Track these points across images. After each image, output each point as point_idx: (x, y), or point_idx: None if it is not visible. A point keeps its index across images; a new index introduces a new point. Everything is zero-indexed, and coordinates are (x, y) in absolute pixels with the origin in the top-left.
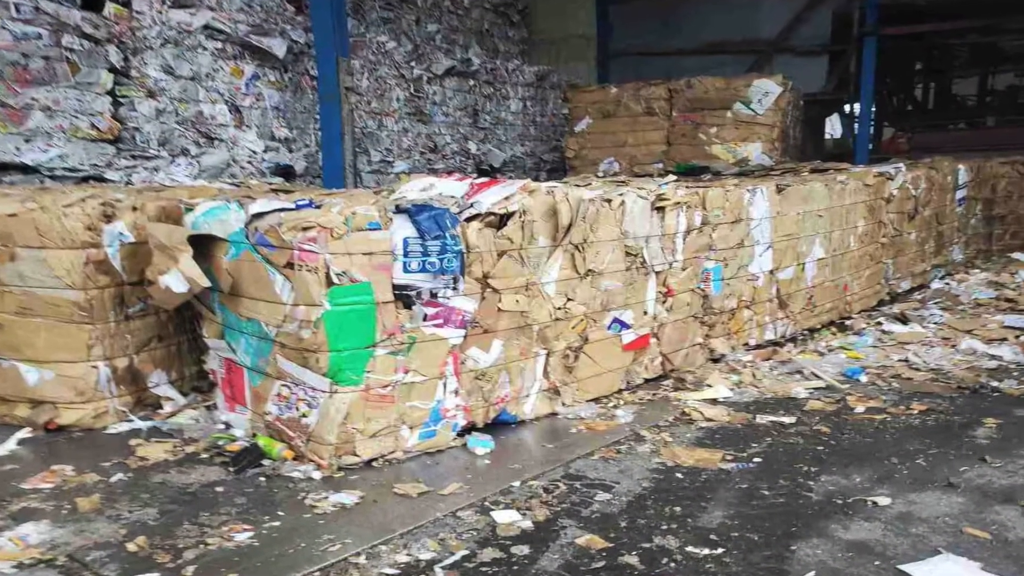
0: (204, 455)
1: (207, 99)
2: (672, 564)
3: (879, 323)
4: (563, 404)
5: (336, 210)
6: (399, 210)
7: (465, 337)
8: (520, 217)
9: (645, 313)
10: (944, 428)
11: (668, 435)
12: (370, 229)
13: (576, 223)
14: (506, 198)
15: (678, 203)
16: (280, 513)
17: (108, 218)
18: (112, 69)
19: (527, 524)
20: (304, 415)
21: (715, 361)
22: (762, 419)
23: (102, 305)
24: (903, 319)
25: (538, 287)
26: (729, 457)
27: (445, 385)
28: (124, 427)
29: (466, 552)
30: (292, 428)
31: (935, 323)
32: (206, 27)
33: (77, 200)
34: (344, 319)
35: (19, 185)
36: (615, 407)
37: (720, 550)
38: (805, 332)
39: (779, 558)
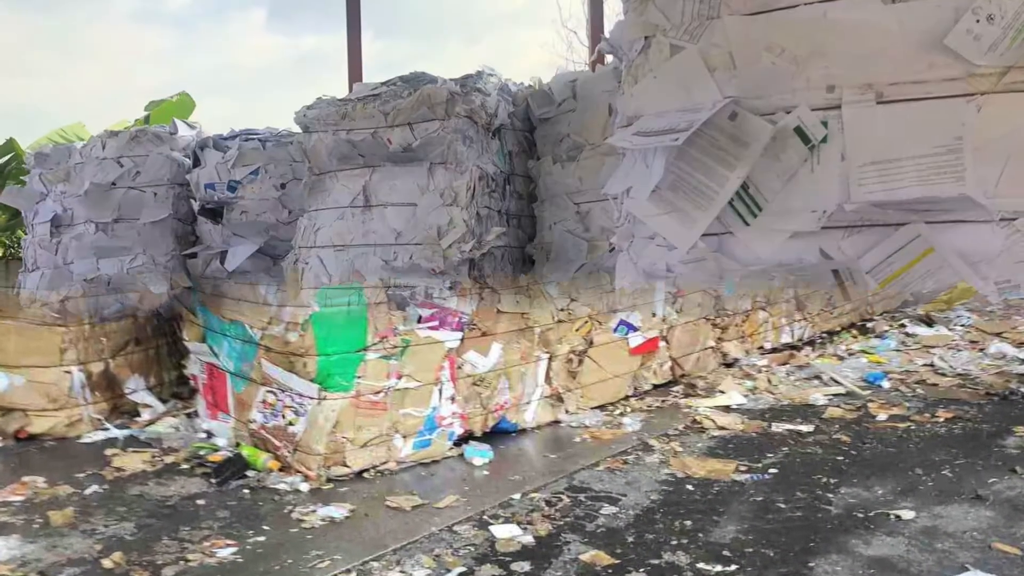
0: (184, 465)
1: None
2: None
3: (902, 325)
4: (566, 411)
5: None
6: None
7: (462, 340)
8: None
9: (654, 315)
10: (972, 437)
11: (678, 444)
12: None
13: None
14: None
15: None
16: (265, 527)
17: None
18: None
19: (528, 539)
20: (291, 423)
21: (728, 366)
22: (778, 427)
23: (76, 307)
24: (928, 321)
25: (539, 287)
26: (743, 468)
27: (441, 391)
28: (99, 436)
29: (463, 569)
30: (278, 437)
31: (962, 325)
32: None
33: None
34: (334, 321)
35: None
36: (622, 415)
37: (733, 567)
38: (824, 335)
39: (796, 575)
